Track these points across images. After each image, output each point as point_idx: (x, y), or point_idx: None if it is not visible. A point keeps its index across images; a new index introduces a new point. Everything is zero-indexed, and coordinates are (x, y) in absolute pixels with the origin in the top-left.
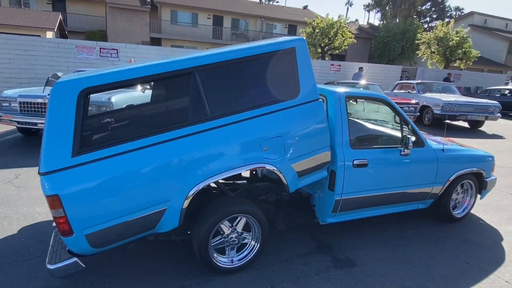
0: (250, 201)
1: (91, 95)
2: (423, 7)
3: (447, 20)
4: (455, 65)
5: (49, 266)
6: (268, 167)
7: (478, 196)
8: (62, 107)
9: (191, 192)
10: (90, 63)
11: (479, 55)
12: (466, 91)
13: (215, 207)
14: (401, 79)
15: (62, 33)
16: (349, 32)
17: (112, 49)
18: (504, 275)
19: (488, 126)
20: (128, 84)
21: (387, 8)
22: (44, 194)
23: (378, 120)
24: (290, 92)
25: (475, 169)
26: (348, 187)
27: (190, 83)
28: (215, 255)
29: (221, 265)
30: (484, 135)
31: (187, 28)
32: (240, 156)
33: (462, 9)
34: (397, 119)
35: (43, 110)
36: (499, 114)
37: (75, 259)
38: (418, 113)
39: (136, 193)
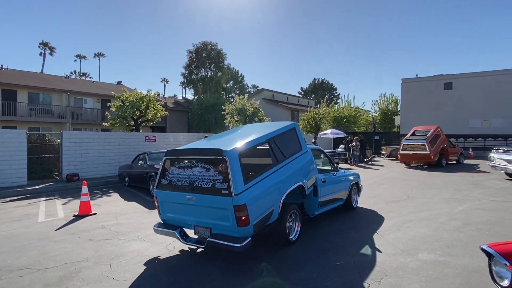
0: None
1: None
2: (227, 85)
3: (245, 95)
4: None
5: (239, 245)
6: (301, 183)
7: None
8: (235, 162)
9: (282, 199)
10: None
11: (271, 120)
12: None
13: (288, 207)
14: None
15: None
16: (160, 105)
17: None
18: None
19: None
20: (253, 148)
21: (198, 85)
22: (236, 204)
23: None
24: (298, 147)
25: (356, 181)
26: (321, 194)
27: (270, 144)
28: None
29: (289, 238)
30: None
31: None
32: (295, 178)
33: (258, 86)
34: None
35: None
36: None
37: (249, 239)
38: None
39: (268, 199)
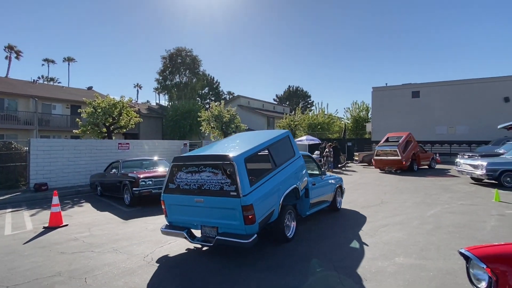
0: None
1: None
2: (203, 91)
3: (221, 101)
4: None
5: (248, 241)
6: (296, 185)
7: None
8: (241, 167)
9: (281, 200)
10: None
11: (247, 127)
12: None
13: (285, 207)
14: (182, 152)
15: None
16: (134, 111)
17: None
18: None
19: None
20: (256, 153)
21: (173, 91)
22: (244, 204)
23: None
24: (292, 153)
25: (339, 184)
26: (312, 195)
27: (270, 150)
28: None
29: (287, 235)
30: None
31: None
32: (290, 181)
33: (233, 93)
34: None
35: None
36: None
37: (255, 235)
38: None
39: (270, 200)
